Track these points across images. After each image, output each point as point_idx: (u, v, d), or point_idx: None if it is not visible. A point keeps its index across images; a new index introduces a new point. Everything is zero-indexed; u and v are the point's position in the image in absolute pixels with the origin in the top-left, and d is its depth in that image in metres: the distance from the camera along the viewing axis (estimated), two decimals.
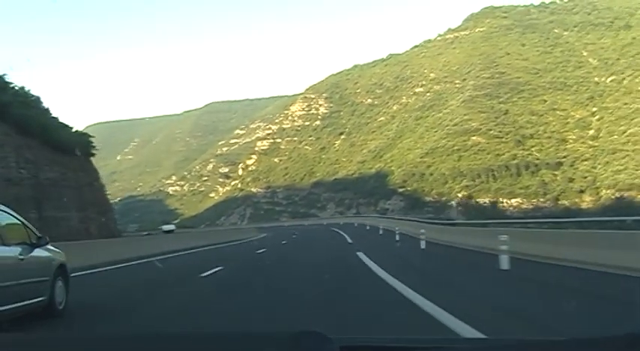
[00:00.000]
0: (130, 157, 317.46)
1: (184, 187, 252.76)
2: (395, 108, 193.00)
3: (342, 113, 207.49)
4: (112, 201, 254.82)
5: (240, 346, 2.29)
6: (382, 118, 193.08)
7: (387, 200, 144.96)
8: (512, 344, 2.44)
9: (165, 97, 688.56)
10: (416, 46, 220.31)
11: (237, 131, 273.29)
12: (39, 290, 10.41)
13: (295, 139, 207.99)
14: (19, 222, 10.77)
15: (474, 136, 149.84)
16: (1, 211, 10.28)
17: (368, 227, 71.37)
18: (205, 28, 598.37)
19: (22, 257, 10.01)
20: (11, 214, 10.61)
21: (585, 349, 2.09)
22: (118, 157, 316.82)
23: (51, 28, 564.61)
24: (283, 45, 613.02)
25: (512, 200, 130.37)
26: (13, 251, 9.86)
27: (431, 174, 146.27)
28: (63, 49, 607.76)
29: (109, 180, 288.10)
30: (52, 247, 11.53)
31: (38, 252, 10.76)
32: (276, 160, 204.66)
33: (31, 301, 10.01)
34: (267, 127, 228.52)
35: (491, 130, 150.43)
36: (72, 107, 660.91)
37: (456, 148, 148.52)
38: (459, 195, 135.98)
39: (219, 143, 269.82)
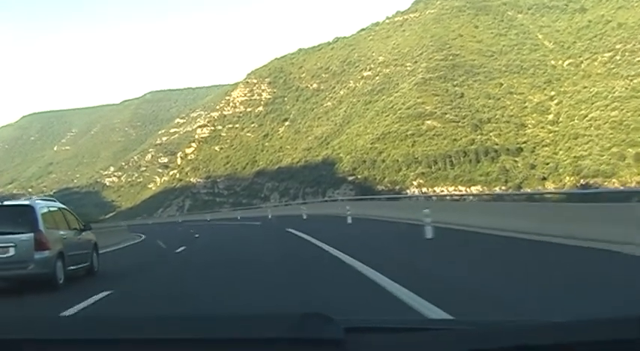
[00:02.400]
0: (67, 147, 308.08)
1: (122, 179, 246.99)
2: (342, 93, 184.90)
3: (286, 99, 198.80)
4: (46, 193, 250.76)
5: (243, 328, 2.32)
6: (329, 104, 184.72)
7: (335, 189, 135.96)
8: (525, 326, 2.42)
9: (103, 87, 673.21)
10: (363, 30, 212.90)
11: (178, 120, 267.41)
12: (86, 258, 17.08)
13: (237, 126, 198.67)
14: (74, 215, 17.63)
15: (428, 120, 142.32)
16: (65, 209, 17.13)
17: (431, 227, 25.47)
18: (144, 15, 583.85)
19: (78, 237, 16.77)
20: (69, 211, 17.46)
21: (603, 330, 2.08)
22: (55, 148, 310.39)
23: None
24: (224, 31, 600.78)
25: (472, 188, 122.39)
26: (74, 233, 16.61)
27: (383, 161, 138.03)
28: None
29: (46, 171, 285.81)
30: (90, 232, 18.10)
31: (84, 234, 17.41)
32: (216, 148, 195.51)
33: (83, 265, 16.72)
34: (208, 114, 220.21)
35: (446, 114, 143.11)
36: (5, 98, 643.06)
37: (409, 132, 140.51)
38: (414, 183, 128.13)
39: (159, 133, 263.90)
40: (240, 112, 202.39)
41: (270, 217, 61.26)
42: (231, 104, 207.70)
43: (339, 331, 2.05)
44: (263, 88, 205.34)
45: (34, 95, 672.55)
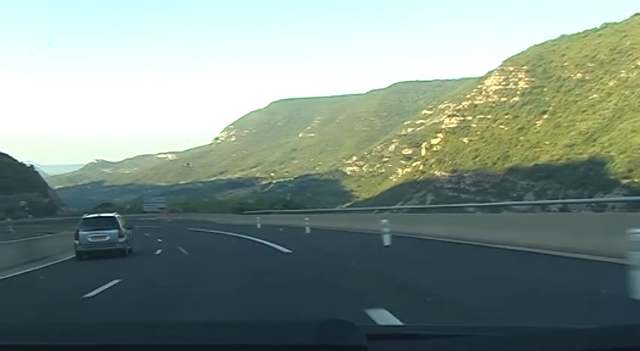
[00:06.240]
0: (311, 135, 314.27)
1: (363, 168, 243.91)
2: (611, 84, 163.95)
3: (545, 89, 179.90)
4: (287, 179, 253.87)
5: (265, 334, 2.33)
6: (595, 96, 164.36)
7: (605, 192, 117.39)
8: (549, 333, 2.44)
9: (350, 76, 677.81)
10: (637, 14, 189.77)
11: (425, 111, 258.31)
12: (130, 244, 30.39)
13: (489, 117, 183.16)
14: (121, 219, 30.87)
15: None
16: (120, 216, 32.34)
17: None
18: (396, 4, 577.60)
19: (128, 232, 30.59)
20: (122, 216, 33.08)
21: (617, 337, 2.11)
22: (300, 135, 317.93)
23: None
24: (477, 19, 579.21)
25: None
26: (126, 230, 30.26)
27: None
28: (250, 24, 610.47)
29: (289, 157, 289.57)
30: (131, 231, 31.93)
31: (130, 231, 31.27)
32: (465, 140, 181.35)
33: (130, 247, 30.07)
34: (457, 106, 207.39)
35: None
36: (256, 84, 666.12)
37: None
38: None
39: (404, 124, 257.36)
40: (493, 102, 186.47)
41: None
42: (483, 93, 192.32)
43: (361, 338, 2.07)
44: (520, 76, 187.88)
45: (283, 82, 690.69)
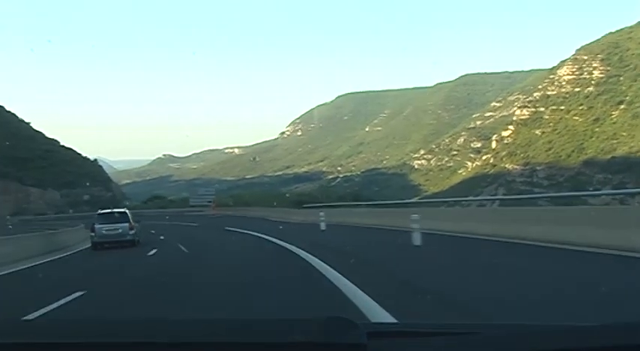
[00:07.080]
0: (378, 128, 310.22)
1: (431, 162, 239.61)
2: None
3: (621, 78, 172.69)
4: (354, 173, 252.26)
5: (265, 331, 2.36)
6: None
7: None
8: (551, 331, 2.40)
9: (417, 69, 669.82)
10: None
11: (494, 104, 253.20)
12: (140, 235, 34.53)
13: (562, 108, 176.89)
14: (130, 214, 35.39)
15: None
16: (129, 211, 37.00)
17: None
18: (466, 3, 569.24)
19: (136, 225, 34.49)
20: (130, 212, 36.73)
21: (620, 335, 2.12)
22: (367, 129, 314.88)
23: None
24: (547, 9, 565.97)
25: None
26: (136, 224, 34.55)
27: None
28: (315, 19, 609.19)
29: (355, 151, 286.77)
30: (139, 224, 35.72)
31: (139, 224, 35.32)
32: (537, 132, 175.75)
33: (138, 238, 33.88)
34: (527, 98, 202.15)
35: None
36: (323, 77, 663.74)
37: None
38: None
39: (473, 116, 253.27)
40: (567, 93, 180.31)
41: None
42: (556, 83, 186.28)
43: (361, 335, 2.08)
44: (594, 65, 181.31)
45: (349, 76, 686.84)
